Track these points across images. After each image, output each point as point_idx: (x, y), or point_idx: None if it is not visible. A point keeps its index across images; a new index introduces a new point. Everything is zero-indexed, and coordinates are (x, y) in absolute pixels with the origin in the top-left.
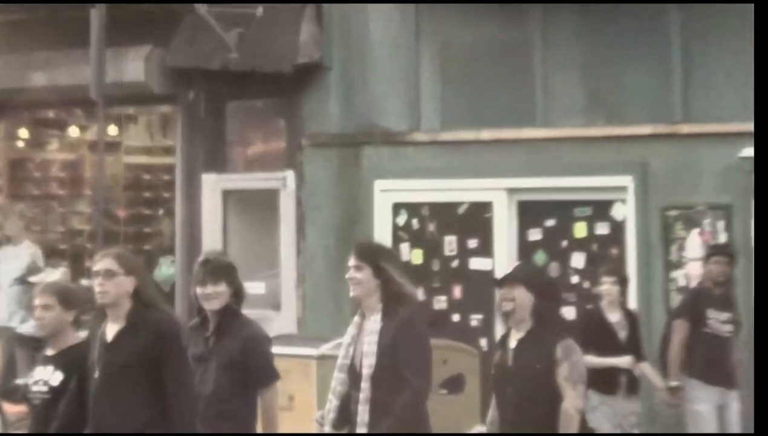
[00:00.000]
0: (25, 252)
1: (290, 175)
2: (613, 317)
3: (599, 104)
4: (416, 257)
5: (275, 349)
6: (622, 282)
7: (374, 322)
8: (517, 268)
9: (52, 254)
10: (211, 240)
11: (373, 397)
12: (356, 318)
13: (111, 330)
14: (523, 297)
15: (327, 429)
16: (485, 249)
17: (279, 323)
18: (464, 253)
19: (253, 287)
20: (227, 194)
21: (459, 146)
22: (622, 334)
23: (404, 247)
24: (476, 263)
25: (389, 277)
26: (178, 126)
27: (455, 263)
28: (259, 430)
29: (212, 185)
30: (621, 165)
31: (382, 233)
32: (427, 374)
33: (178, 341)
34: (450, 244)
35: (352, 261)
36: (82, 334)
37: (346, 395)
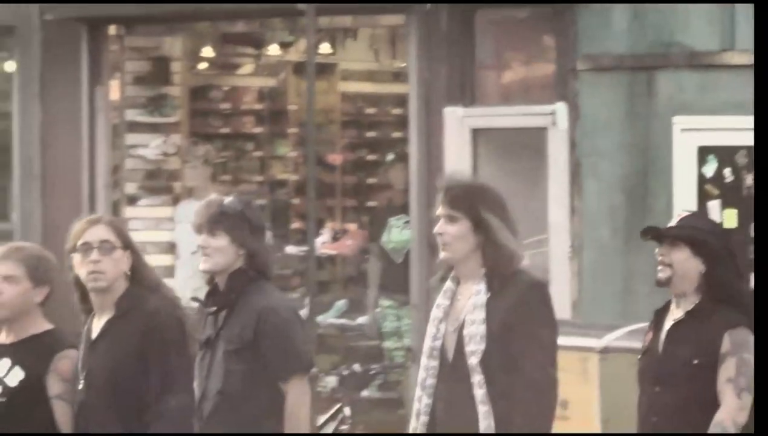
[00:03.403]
0: None
1: (561, 109)
2: None
3: None
4: (729, 218)
5: None
6: None
7: (477, 293)
8: (684, 220)
9: None
10: None
11: (490, 394)
12: (448, 284)
13: (97, 324)
14: (685, 263)
15: None
16: None
17: None
18: None
19: None
20: (477, 134)
21: None
22: None
23: (713, 205)
24: None
25: (494, 234)
26: (412, 43)
27: None
28: None
29: (457, 122)
30: None
31: (683, 187)
32: (554, 372)
33: (174, 341)
34: None
35: (441, 210)
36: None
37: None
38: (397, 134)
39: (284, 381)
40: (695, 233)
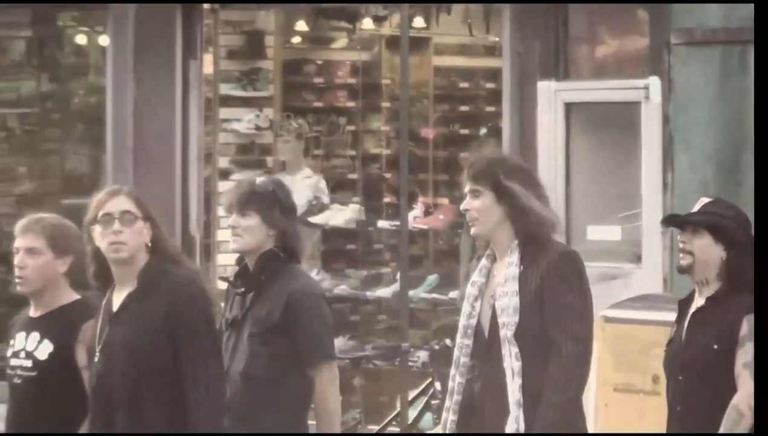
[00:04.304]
0: (304, 184)
1: (655, 83)
2: None
3: None
4: None
5: (632, 313)
6: None
7: (510, 265)
8: (705, 207)
9: (339, 187)
10: (548, 168)
11: (524, 370)
12: (483, 262)
13: (118, 297)
14: (706, 250)
15: (450, 424)
16: None
17: (639, 279)
18: None
19: (606, 232)
20: (570, 108)
21: None
22: None
23: None
24: None
25: (519, 201)
26: (506, 17)
27: None
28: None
29: (550, 96)
30: None
31: None
32: (587, 342)
33: (203, 315)
34: None
35: (466, 187)
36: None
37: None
38: (490, 108)
39: (313, 368)
40: (716, 220)
